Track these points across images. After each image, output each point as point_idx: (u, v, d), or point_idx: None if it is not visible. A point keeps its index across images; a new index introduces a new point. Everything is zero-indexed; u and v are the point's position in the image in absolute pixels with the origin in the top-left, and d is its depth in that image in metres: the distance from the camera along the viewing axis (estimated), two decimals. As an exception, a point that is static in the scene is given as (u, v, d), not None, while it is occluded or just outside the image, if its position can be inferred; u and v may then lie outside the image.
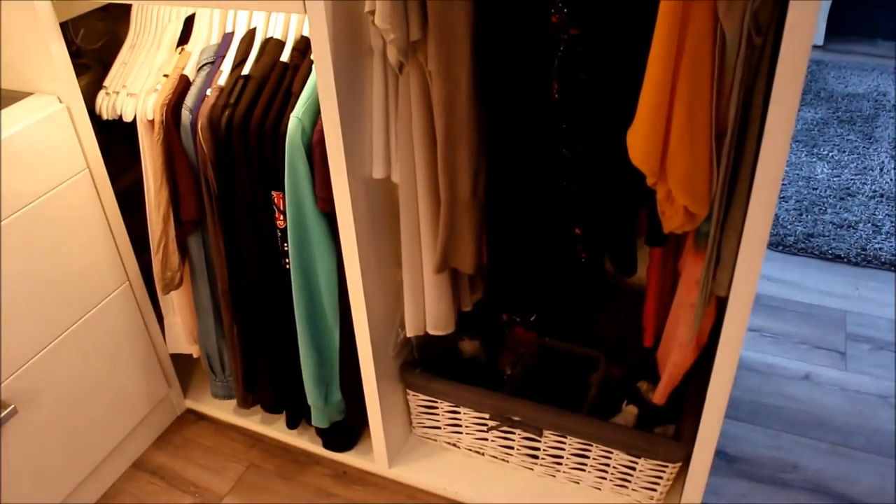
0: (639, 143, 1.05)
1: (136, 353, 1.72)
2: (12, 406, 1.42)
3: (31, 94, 1.46)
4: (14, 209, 1.38)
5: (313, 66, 1.37)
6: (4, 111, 1.40)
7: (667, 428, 1.56)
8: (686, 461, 1.41)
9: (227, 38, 1.48)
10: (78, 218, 1.51)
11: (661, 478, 1.50)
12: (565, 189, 1.22)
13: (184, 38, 1.55)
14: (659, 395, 1.45)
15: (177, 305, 1.72)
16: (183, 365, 1.94)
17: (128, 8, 1.56)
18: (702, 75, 1.00)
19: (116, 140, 1.70)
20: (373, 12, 1.12)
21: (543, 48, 1.12)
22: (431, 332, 1.47)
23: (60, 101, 1.45)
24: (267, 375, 1.67)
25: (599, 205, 1.23)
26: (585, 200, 1.23)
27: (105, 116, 1.52)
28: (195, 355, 1.79)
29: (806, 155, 2.82)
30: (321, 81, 1.20)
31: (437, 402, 1.65)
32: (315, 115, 1.33)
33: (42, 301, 1.46)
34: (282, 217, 1.43)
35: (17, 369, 1.43)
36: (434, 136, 1.23)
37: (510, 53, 1.14)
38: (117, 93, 1.50)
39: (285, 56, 1.41)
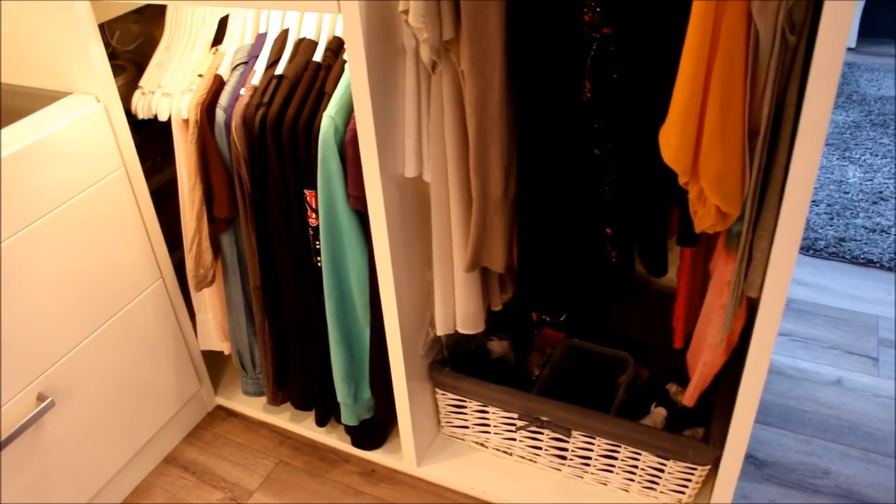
0: (671, 142, 1.05)
1: (168, 350, 1.75)
2: (50, 399, 1.45)
3: (69, 93, 1.49)
4: (52, 206, 1.40)
5: (346, 66, 1.38)
6: (44, 110, 1.43)
7: (696, 430, 1.55)
8: (715, 464, 1.40)
9: (261, 38, 1.50)
10: (114, 215, 1.54)
11: (689, 480, 1.49)
12: (596, 188, 1.23)
13: (218, 38, 1.57)
14: (689, 397, 1.44)
15: (209, 302, 1.74)
16: (214, 362, 1.97)
17: (162, 10, 1.59)
18: (735, 74, 1.00)
19: (150, 139, 1.72)
20: (406, 11, 1.13)
21: (576, 47, 1.12)
22: (461, 331, 1.47)
23: (98, 101, 1.48)
24: (297, 373, 1.69)
25: (631, 204, 1.23)
26: (616, 199, 1.23)
27: (141, 115, 1.54)
28: (226, 352, 1.81)
29: (837, 158, 2.79)
30: (355, 80, 1.21)
31: (465, 401, 1.66)
32: (348, 114, 1.34)
33: (78, 297, 1.49)
34: (314, 215, 1.45)
35: (54, 363, 1.46)
36: (466, 135, 1.23)
37: (542, 52, 1.14)
38: (153, 92, 1.53)
39: (318, 56, 1.42)
